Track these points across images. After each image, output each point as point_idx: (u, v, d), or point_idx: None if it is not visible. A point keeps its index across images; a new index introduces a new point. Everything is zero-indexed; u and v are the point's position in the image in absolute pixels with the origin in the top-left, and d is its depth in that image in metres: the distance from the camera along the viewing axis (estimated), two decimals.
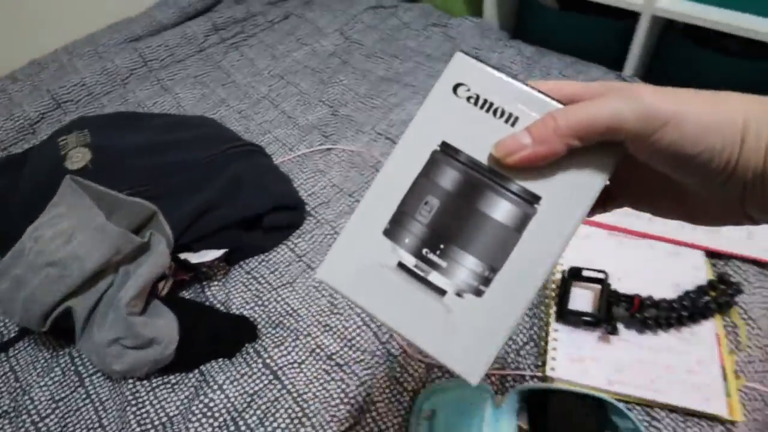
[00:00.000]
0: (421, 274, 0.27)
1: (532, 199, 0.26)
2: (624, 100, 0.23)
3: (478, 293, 0.27)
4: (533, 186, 0.26)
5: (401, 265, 0.27)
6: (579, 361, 0.58)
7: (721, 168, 0.22)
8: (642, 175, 0.28)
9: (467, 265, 0.27)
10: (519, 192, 0.26)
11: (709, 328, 0.62)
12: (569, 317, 0.61)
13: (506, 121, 0.27)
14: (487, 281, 0.27)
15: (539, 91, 0.26)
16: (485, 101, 0.27)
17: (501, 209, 0.27)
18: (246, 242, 0.78)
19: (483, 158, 0.27)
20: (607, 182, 0.26)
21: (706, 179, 0.23)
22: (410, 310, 0.27)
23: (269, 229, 0.79)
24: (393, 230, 0.28)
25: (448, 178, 0.27)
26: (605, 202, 0.30)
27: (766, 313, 0.65)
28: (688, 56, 0.99)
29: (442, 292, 0.27)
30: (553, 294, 0.65)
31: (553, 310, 0.63)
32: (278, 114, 1.06)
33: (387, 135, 0.94)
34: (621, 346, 0.60)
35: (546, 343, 0.61)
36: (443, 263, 0.27)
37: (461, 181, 0.27)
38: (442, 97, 0.28)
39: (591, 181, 0.26)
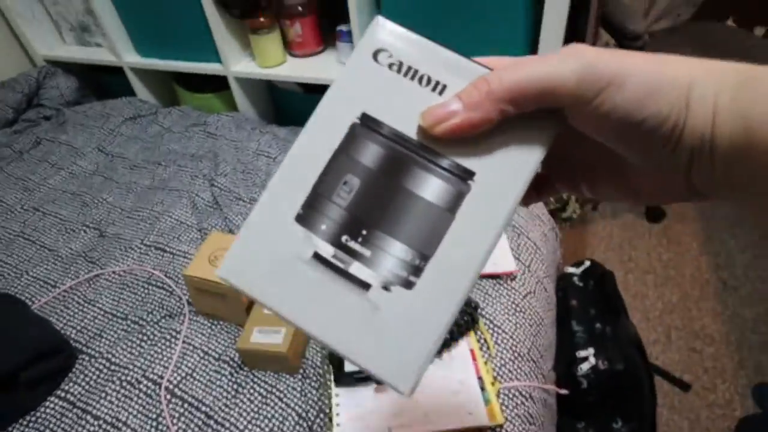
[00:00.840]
0: (341, 265, 0.23)
1: (466, 175, 0.23)
2: (564, 59, 0.21)
3: (408, 285, 0.23)
4: (466, 160, 0.23)
5: (317, 256, 0.23)
6: (360, 419, 0.62)
7: (668, 135, 0.20)
8: (580, 153, 0.26)
9: (394, 253, 0.23)
10: (450, 167, 0.23)
11: (464, 348, 0.70)
12: (344, 379, 0.65)
13: (433, 90, 0.23)
14: (417, 270, 0.23)
15: (468, 57, 0.23)
16: (409, 68, 0.24)
17: (431, 187, 0.23)
18: (4, 407, 0.69)
19: (409, 131, 0.23)
20: (542, 159, 0.23)
21: (651, 149, 0.21)
22: (330, 309, 0.22)
23: (31, 383, 0.71)
24: (307, 216, 0.23)
25: (370, 153, 0.23)
26: (541, 188, 0.28)
27: (508, 317, 0.76)
28: None
29: (366, 286, 0.23)
30: (328, 362, 0.68)
31: (332, 377, 0.67)
32: (36, 250, 0.97)
33: (157, 245, 0.92)
34: (394, 392, 0.65)
35: (331, 409, 0.64)
36: (366, 252, 0.23)
37: (385, 156, 0.23)
38: (361, 65, 0.24)
39: (529, 154, 0.23)
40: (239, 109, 1.28)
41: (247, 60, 1.22)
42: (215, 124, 1.22)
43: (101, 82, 1.52)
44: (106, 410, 0.69)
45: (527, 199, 0.26)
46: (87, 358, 0.76)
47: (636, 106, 0.20)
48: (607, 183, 0.26)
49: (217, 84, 1.29)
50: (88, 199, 1.08)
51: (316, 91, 1.27)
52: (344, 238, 0.23)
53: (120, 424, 0.67)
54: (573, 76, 0.20)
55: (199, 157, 1.15)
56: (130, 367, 0.73)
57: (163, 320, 0.80)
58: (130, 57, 1.33)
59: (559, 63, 0.21)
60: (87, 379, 0.73)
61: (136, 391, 0.70)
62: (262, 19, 1.08)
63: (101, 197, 1.08)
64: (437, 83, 0.23)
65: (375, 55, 0.24)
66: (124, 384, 0.71)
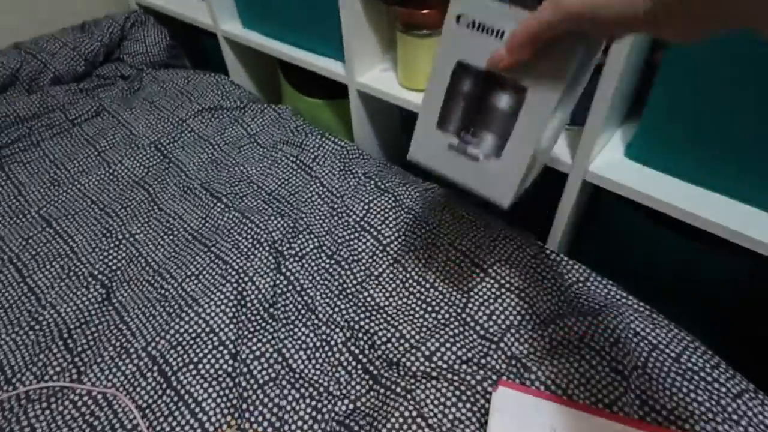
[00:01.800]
0: (463, 148, 0.44)
1: (522, 90, 0.38)
2: (549, 6, 0.31)
3: (498, 155, 0.42)
4: (521, 80, 0.38)
5: (451, 145, 0.44)
6: None
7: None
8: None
9: (488, 140, 0.42)
10: (512, 86, 0.39)
11: None
12: None
13: (496, 36, 0.38)
14: (501, 148, 0.42)
15: (513, 4, 0.36)
16: (480, 24, 0.38)
17: (503, 100, 0.40)
18: None
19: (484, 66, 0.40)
20: (576, 67, 0.36)
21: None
22: (462, 168, 0.44)
23: None
24: (442, 124, 0.44)
25: (466, 85, 0.42)
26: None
27: None
28: (621, 221, 0.70)
29: (476, 158, 0.43)
30: None
31: None
32: (18, 297, 0.67)
33: (161, 365, 0.56)
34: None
35: None
36: (475, 140, 0.43)
37: (474, 85, 0.41)
38: (449, 29, 0.40)
39: (561, 68, 0.36)
40: (355, 134, 0.88)
41: (385, 67, 0.81)
42: (315, 152, 0.83)
43: (198, 42, 1.20)
44: None
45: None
46: None
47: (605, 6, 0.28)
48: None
49: (334, 89, 0.89)
50: (115, 227, 0.76)
51: None
52: (462, 133, 0.44)
53: None
54: (556, 18, 0.31)
55: (276, 200, 0.77)
56: None
57: None
58: (228, 24, 0.97)
59: (545, 11, 0.32)
60: None
61: None
62: (424, 11, 0.65)
63: (130, 229, 0.75)
64: (498, 31, 0.38)
65: (457, 19, 0.40)
66: None
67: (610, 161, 0.60)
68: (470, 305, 0.61)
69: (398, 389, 0.54)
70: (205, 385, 0.54)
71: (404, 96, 0.74)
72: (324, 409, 0.52)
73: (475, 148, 0.42)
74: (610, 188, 0.58)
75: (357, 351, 0.58)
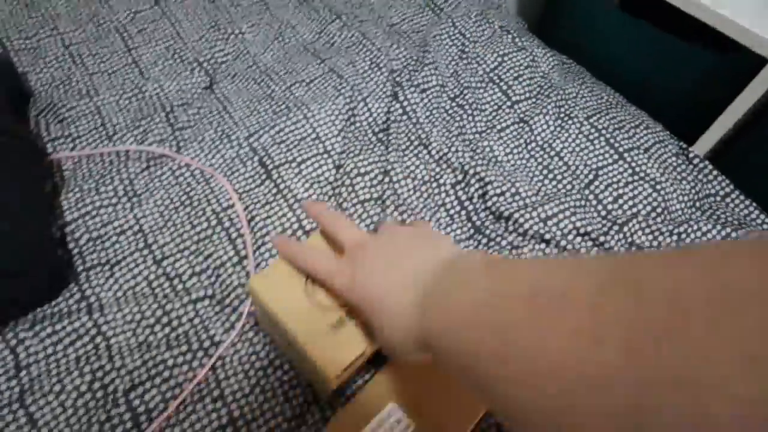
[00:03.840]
0: None
1: None
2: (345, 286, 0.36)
3: None
4: None
5: None
6: None
7: None
8: None
9: None
10: None
11: None
12: None
13: None
14: None
15: None
16: None
17: None
18: None
19: None
20: None
21: None
22: None
23: None
24: None
25: None
26: None
27: None
28: None
29: None
30: None
31: None
32: (123, 66, 0.68)
33: (262, 155, 0.57)
34: None
35: None
36: None
37: None
38: None
39: None
40: None
41: None
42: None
43: None
44: None
45: None
46: (77, 296, 0.46)
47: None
48: None
49: None
50: (223, 21, 0.74)
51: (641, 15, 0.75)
52: None
53: None
54: None
55: (398, 33, 0.72)
56: None
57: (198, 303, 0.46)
58: None
59: None
60: (71, 334, 0.44)
61: None
62: None
63: (239, 27, 0.73)
64: None
65: None
66: None
67: None
68: (597, 183, 0.58)
69: (504, 242, 0.53)
70: (306, 185, 0.55)
71: None
72: None
73: None
74: None
75: (464, 197, 0.56)
